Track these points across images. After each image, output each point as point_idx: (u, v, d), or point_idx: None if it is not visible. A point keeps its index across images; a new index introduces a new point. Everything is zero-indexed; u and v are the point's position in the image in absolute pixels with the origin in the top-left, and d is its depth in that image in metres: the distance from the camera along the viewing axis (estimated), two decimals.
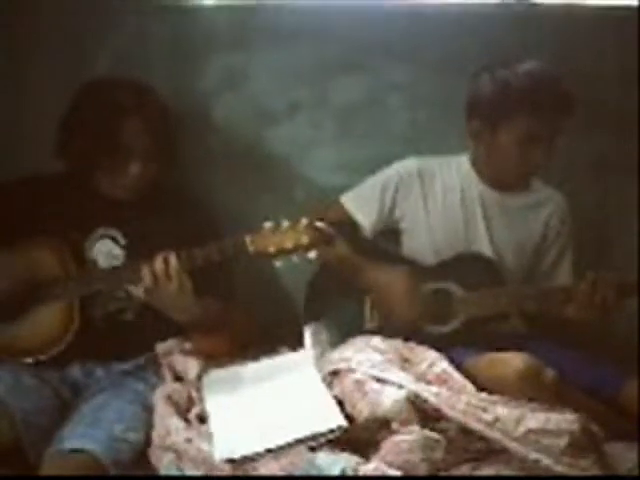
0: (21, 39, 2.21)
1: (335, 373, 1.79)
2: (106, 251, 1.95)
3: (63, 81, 2.13)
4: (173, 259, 1.75)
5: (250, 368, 1.89)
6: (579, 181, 2.22)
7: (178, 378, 1.89)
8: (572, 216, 2.10)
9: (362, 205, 2.09)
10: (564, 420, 1.58)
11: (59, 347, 1.85)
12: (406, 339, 1.89)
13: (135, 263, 1.81)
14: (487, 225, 2.05)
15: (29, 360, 1.85)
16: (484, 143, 2.00)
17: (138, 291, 1.81)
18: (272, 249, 1.72)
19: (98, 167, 1.91)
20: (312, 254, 1.73)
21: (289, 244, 1.71)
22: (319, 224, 1.74)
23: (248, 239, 1.73)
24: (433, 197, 2.07)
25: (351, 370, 1.75)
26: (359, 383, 1.70)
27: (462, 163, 2.09)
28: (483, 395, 1.67)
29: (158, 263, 1.75)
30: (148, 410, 1.78)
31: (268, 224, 1.73)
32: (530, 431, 1.57)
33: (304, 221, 1.73)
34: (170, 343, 1.93)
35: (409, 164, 2.09)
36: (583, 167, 2.23)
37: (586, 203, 2.19)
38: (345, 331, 1.96)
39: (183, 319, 1.85)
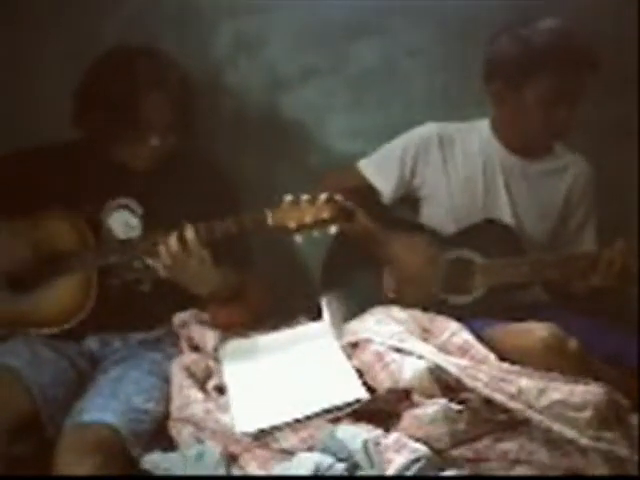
0: (33, 8, 2.17)
1: (355, 344, 1.77)
2: (123, 221, 1.93)
3: (75, 49, 2.11)
4: (191, 234, 1.72)
5: (268, 339, 1.87)
6: (602, 147, 2.17)
7: (196, 349, 1.88)
8: (595, 182, 2.05)
9: (381, 170, 2.05)
10: (589, 392, 1.55)
11: (77, 318, 1.85)
12: (426, 309, 1.87)
13: (153, 235, 1.78)
14: (508, 192, 2.01)
15: (46, 332, 1.84)
16: (507, 105, 1.95)
17: (156, 265, 1.78)
18: (292, 224, 1.69)
19: (117, 138, 1.88)
20: (332, 229, 1.70)
21: (309, 219, 1.68)
22: (339, 198, 1.70)
23: (268, 214, 1.70)
24: (453, 163, 2.03)
25: (371, 341, 1.73)
26: (379, 354, 1.69)
27: (482, 129, 2.04)
28: (506, 366, 1.65)
29: (173, 240, 1.71)
30: (166, 381, 1.78)
31: (288, 198, 1.69)
32: (554, 403, 1.54)
33: (323, 196, 1.68)
34: (187, 314, 1.92)
35: (428, 129, 2.05)
36: (606, 133, 2.18)
37: (609, 169, 2.14)
38: (364, 302, 1.93)
39: (202, 292, 1.83)
